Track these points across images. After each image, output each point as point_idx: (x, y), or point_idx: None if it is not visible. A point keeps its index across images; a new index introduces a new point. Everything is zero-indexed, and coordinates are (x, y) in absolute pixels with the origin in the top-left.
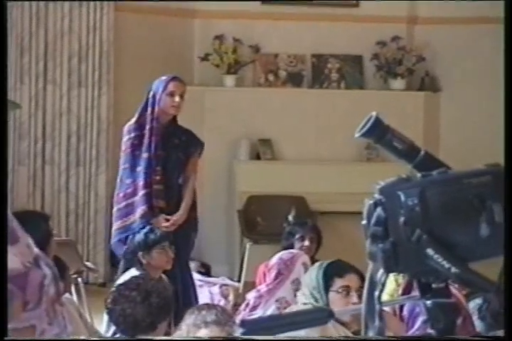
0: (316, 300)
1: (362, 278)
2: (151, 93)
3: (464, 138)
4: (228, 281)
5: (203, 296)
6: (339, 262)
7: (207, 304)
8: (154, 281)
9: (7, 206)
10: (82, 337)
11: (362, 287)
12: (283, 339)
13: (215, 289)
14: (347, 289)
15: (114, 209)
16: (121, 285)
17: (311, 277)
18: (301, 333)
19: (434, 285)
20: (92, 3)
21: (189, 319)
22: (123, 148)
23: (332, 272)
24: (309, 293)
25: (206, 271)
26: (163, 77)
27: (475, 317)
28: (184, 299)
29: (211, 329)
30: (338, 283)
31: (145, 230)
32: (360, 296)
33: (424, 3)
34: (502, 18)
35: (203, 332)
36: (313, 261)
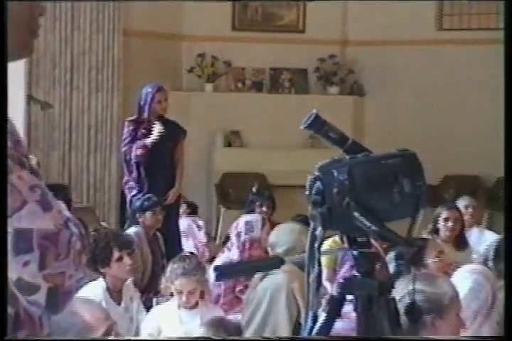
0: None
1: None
2: (142, 102)
3: (384, 132)
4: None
5: (189, 246)
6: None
7: (181, 256)
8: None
9: (7, 206)
10: (86, 337)
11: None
12: (281, 339)
13: (201, 235)
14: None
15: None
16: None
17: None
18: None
19: (359, 239)
20: (106, 31)
21: (168, 271)
22: (124, 136)
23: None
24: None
25: (193, 211)
26: (149, 89)
27: (391, 265)
28: (172, 249)
29: (180, 280)
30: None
31: (143, 198)
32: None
33: (353, 29)
34: (412, 41)
35: (177, 283)
36: (270, 222)
